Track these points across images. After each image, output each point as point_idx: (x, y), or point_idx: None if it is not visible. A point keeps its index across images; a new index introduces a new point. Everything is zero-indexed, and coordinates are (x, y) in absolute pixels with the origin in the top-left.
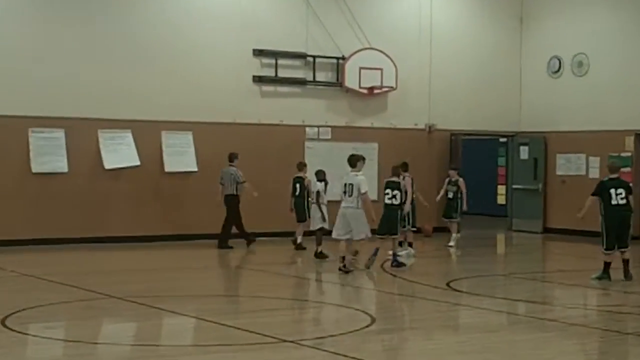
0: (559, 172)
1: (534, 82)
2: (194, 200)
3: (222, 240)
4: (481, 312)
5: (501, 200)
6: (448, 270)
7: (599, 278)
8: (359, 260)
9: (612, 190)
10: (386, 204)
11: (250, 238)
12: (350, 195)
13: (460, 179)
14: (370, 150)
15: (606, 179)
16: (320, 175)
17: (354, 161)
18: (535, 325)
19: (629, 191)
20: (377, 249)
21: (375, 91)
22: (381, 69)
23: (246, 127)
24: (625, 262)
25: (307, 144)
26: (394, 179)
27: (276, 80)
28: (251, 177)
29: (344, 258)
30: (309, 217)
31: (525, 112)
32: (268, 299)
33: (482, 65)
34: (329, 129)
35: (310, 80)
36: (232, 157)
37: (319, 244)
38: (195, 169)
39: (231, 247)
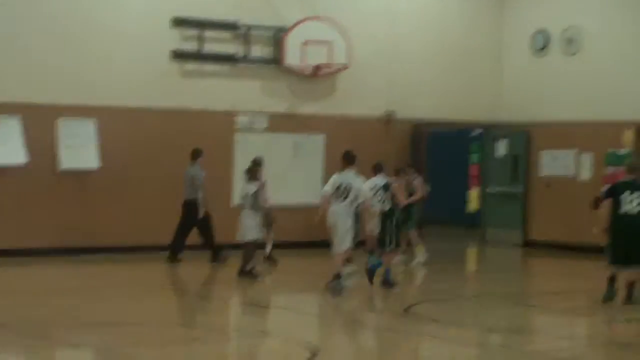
0: (543, 173)
1: (514, 62)
2: (97, 206)
3: (214, 253)
4: (446, 343)
5: (473, 206)
6: (407, 292)
7: (605, 299)
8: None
9: (625, 194)
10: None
11: (177, 256)
12: (345, 199)
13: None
14: (315, 144)
15: (620, 181)
16: (253, 174)
17: (352, 158)
18: (513, 359)
19: None
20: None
21: (323, 71)
22: (329, 43)
23: (162, 114)
24: (630, 285)
25: (237, 135)
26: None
27: (200, 57)
28: (167, 177)
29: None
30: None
31: (504, 98)
32: (187, 328)
33: (453, 40)
34: (265, 116)
35: (242, 56)
36: (194, 154)
37: (248, 259)
38: (98, 166)
39: (225, 259)
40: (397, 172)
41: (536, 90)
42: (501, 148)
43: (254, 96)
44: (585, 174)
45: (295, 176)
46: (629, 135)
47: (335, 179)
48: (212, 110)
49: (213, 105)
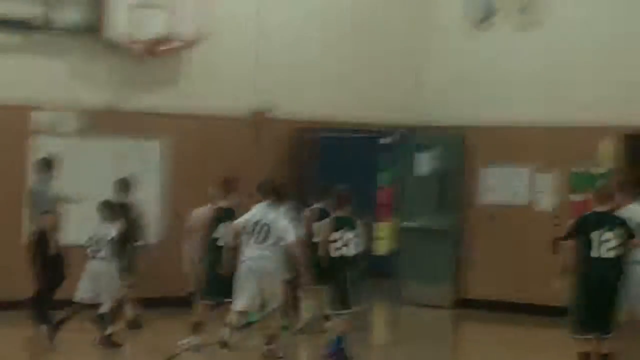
0: (485, 200)
1: (444, 39)
2: None
3: (46, 310)
4: None
5: (383, 248)
6: None
7: None
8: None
9: (595, 233)
10: (333, 258)
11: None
12: (264, 241)
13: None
14: (149, 152)
15: (589, 213)
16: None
17: (275, 189)
18: None
19: (627, 234)
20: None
21: (161, 48)
22: (170, 8)
23: None
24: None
25: (34, 139)
26: (343, 213)
27: None
28: None
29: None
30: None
31: (429, 91)
32: None
33: (355, 5)
34: (76, 113)
35: (42, 23)
36: (41, 165)
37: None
38: None
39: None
40: (343, 201)
41: (475, 79)
42: (424, 162)
43: (59, 82)
44: (545, 201)
45: None
46: (605, 148)
47: (250, 217)
48: None
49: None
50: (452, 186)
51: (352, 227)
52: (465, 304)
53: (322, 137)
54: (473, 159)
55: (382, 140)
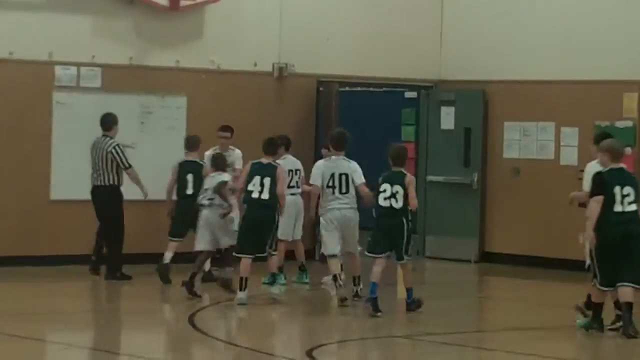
0: (508, 154)
1: None
2: None
3: (115, 265)
4: None
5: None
6: (316, 327)
7: (587, 327)
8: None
9: (617, 189)
10: (383, 207)
11: (122, 274)
12: (345, 192)
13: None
14: (174, 110)
15: (606, 170)
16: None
17: (343, 140)
18: None
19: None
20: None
21: (184, 3)
22: None
23: None
24: (628, 308)
25: (57, 95)
26: (398, 168)
27: None
28: None
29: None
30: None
31: (451, 47)
32: None
33: None
34: (99, 69)
35: None
36: (107, 122)
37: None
38: None
39: (129, 277)
40: (399, 159)
41: (497, 35)
42: (447, 118)
43: (82, 39)
44: (570, 156)
45: (144, 157)
46: (630, 101)
47: (325, 169)
48: (19, 58)
49: (20, 51)
50: (475, 141)
51: (401, 182)
52: (489, 258)
53: (346, 92)
54: (496, 114)
55: (406, 95)
